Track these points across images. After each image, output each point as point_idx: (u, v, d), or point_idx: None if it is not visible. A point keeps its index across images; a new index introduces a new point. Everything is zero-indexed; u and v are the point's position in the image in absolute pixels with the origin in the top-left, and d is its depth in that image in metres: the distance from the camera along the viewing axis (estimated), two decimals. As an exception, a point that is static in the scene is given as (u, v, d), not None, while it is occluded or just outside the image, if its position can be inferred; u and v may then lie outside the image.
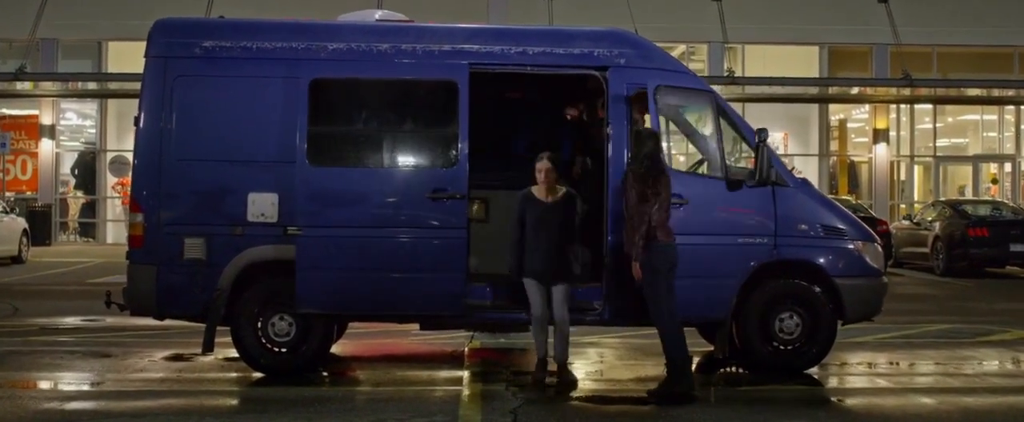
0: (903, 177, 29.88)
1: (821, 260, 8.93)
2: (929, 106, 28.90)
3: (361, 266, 8.37)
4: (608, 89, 8.76)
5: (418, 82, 8.72)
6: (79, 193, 29.18)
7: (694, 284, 8.47)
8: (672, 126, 9.65)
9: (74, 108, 29.46)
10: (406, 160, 8.67)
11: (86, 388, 8.79)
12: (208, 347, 8.64)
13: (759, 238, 8.79)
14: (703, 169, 9.30)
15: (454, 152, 8.54)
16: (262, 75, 8.64)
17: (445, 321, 8.76)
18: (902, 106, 28.96)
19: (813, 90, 27.54)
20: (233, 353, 9.03)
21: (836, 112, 29.91)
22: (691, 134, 9.54)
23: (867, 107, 29.26)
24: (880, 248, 9.39)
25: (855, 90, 28.24)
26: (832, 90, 27.99)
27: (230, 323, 8.68)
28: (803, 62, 28.48)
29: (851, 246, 9.05)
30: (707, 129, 9.05)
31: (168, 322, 9.18)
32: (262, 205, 8.53)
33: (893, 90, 27.03)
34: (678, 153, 11.06)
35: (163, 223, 8.58)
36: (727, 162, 8.94)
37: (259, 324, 8.66)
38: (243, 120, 8.64)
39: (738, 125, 9.10)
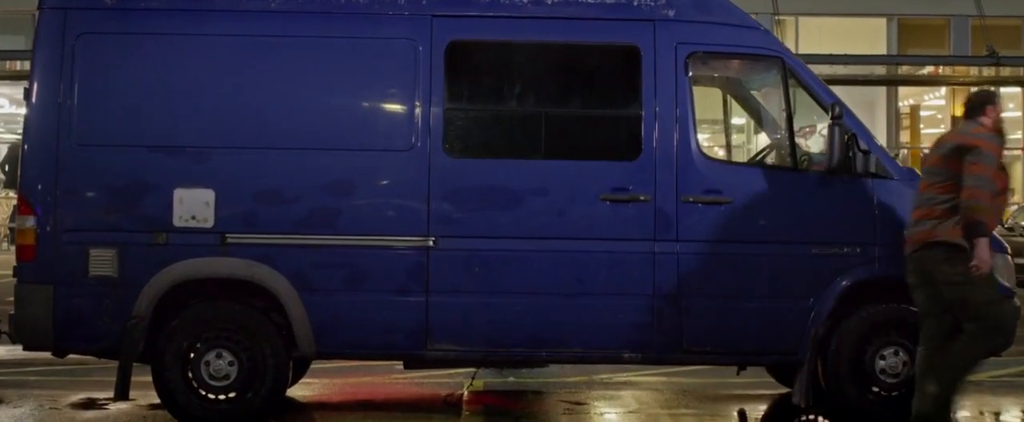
0: (985, 173, 29.35)
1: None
2: (1018, 89, 28.55)
3: (517, 289, 7.81)
4: (655, 53, 7.95)
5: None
6: (10, 193, 28.50)
7: (747, 308, 7.89)
8: (731, 102, 9.06)
9: (4, 92, 29.20)
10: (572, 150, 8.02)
11: (-43, 448, 7.88)
12: (122, 393, 7.81)
13: (850, 247, 7.95)
14: (772, 158, 8.62)
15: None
16: (200, 32, 7.95)
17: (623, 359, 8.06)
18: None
19: (880, 70, 27.21)
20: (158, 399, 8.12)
21: (907, 96, 29.71)
22: (757, 111, 8.89)
23: (944, 90, 29.08)
24: (1011, 260, 8.39)
25: (928, 70, 27.94)
26: (902, 70, 27.81)
27: (151, 361, 7.87)
28: (868, 37, 28.25)
29: (974, 258, 7.98)
30: (775, 105, 8.34)
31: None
32: (193, 205, 7.79)
33: (974, 70, 26.63)
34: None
35: (62, 229, 7.82)
36: (800, 148, 8.19)
37: (190, 363, 7.86)
38: (169, 92, 7.93)
39: (822, 100, 8.10)
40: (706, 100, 8.91)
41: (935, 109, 29.98)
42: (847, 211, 7.93)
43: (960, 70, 27.18)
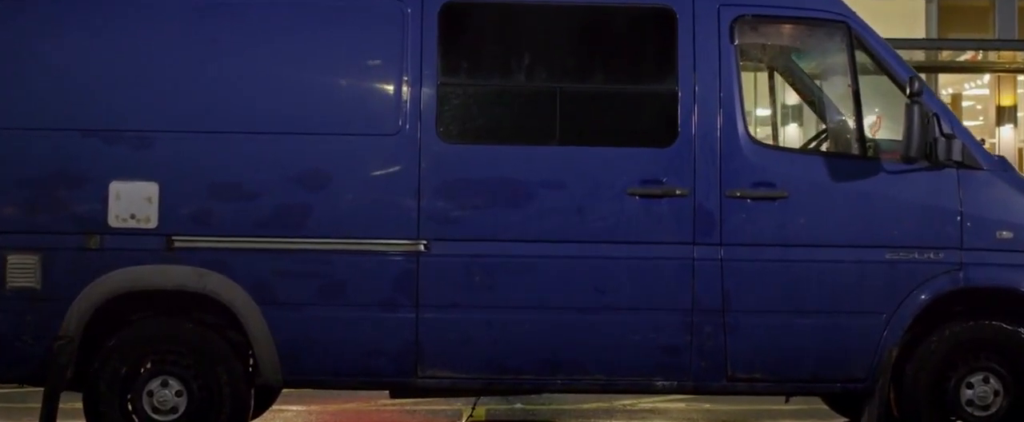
0: (1033, 168, 30.15)
1: None
2: (1068, 78, 29.14)
3: (526, 303, 7.54)
4: (694, 17, 7.62)
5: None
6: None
7: (806, 326, 7.54)
8: (778, 78, 8.76)
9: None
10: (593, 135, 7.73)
11: None
12: (48, 425, 7.55)
13: (930, 252, 7.57)
14: (833, 143, 8.23)
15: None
16: None
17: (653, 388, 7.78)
18: (1033, 77, 29.27)
19: (918, 56, 26.84)
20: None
21: (947, 85, 29.51)
22: (816, 88, 8.55)
23: (987, 78, 28.96)
24: None
25: (967, 55, 27.71)
26: (942, 56, 27.72)
27: (83, 388, 7.54)
28: (905, 20, 27.88)
29: (1081, 266, 7.79)
30: (837, 80, 8.05)
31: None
32: (132, 201, 7.46)
33: (1021, 56, 26.77)
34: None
35: (-28, 231, 7.60)
36: (868, 132, 7.79)
37: (130, 392, 7.51)
38: (103, 64, 7.66)
39: (897, 74, 7.83)
40: (755, 75, 8.38)
41: (977, 99, 30.03)
42: (927, 208, 7.58)
43: (1006, 56, 27.22)
